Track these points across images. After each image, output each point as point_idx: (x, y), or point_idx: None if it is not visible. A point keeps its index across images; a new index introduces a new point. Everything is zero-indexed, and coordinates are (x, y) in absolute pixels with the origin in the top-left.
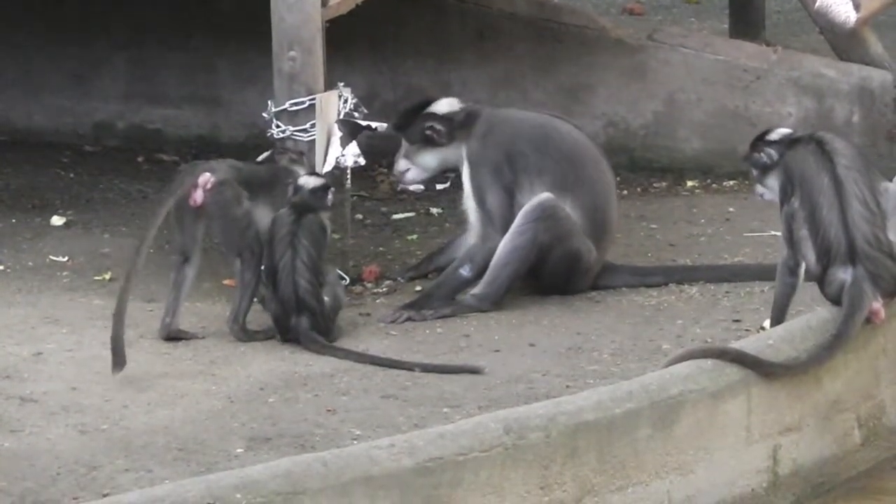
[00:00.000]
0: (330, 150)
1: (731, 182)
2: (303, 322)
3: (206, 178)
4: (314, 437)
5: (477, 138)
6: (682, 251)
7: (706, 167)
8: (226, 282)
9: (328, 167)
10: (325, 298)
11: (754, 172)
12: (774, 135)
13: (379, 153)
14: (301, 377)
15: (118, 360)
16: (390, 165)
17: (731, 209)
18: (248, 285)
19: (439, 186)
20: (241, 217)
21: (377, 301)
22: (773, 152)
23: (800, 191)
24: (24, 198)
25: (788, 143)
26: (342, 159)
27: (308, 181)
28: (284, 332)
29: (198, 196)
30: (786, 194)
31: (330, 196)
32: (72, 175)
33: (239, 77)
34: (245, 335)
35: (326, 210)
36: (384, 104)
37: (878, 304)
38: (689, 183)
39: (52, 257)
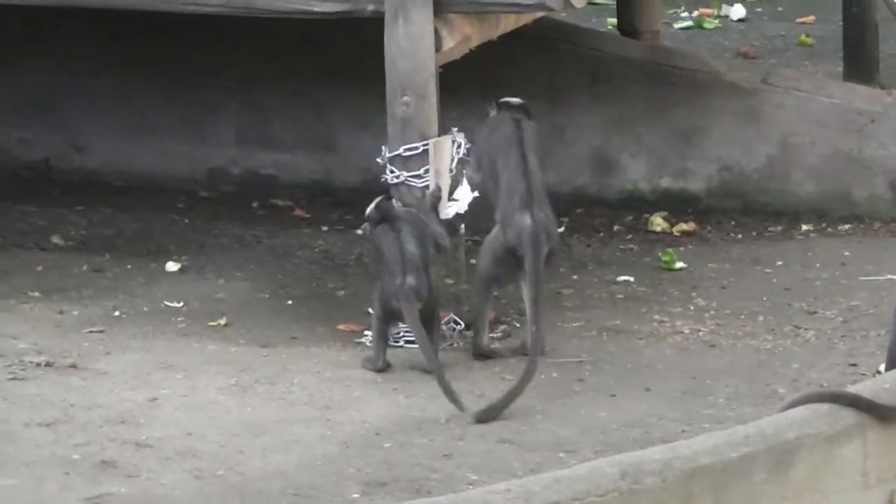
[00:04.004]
0: (445, 196)
1: (846, 226)
2: (409, 281)
3: None
4: (429, 481)
5: None
6: (797, 295)
7: (821, 211)
8: (340, 326)
9: (449, 213)
10: None
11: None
12: None
13: None
14: (416, 421)
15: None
16: None
17: (846, 253)
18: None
19: None
20: None
21: (493, 346)
22: None
23: None
24: (138, 243)
25: None
26: (457, 204)
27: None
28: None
29: None
30: None
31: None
32: (186, 220)
33: (352, 122)
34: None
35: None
36: None
37: None
38: (804, 227)
39: (166, 303)
